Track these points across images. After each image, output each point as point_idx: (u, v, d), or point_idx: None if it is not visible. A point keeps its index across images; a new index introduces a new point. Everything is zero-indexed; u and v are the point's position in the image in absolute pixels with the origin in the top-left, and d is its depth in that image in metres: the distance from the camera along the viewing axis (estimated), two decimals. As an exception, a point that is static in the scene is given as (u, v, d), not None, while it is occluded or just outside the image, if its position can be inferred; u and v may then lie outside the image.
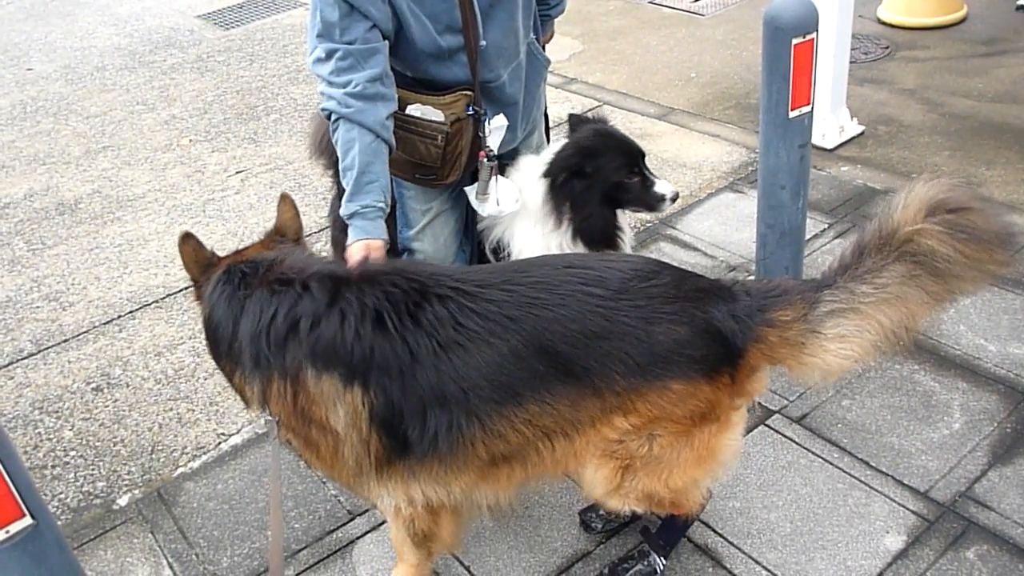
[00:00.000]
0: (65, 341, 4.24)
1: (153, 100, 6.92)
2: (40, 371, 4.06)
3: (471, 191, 3.02)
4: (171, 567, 3.02)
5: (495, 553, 2.93)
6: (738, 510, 2.98)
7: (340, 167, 2.66)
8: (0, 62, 8.06)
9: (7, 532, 2.06)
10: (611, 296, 2.16)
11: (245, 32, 8.18)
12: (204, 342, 2.47)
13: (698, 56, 6.67)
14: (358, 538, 3.04)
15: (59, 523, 3.05)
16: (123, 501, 3.32)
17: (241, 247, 2.53)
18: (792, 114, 3.40)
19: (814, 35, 3.30)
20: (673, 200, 3.08)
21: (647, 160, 3.13)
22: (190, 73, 7.37)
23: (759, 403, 3.37)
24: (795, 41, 3.27)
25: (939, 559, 2.75)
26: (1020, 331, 3.61)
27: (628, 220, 3.23)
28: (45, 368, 4.08)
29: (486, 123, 2.90)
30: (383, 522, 3.04)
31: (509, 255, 3.04)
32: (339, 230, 3.55)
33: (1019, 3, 6.67)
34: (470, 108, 2.86)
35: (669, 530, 2.73)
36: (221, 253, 2.51)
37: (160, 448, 3.54)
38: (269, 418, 2.28)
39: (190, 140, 6.18)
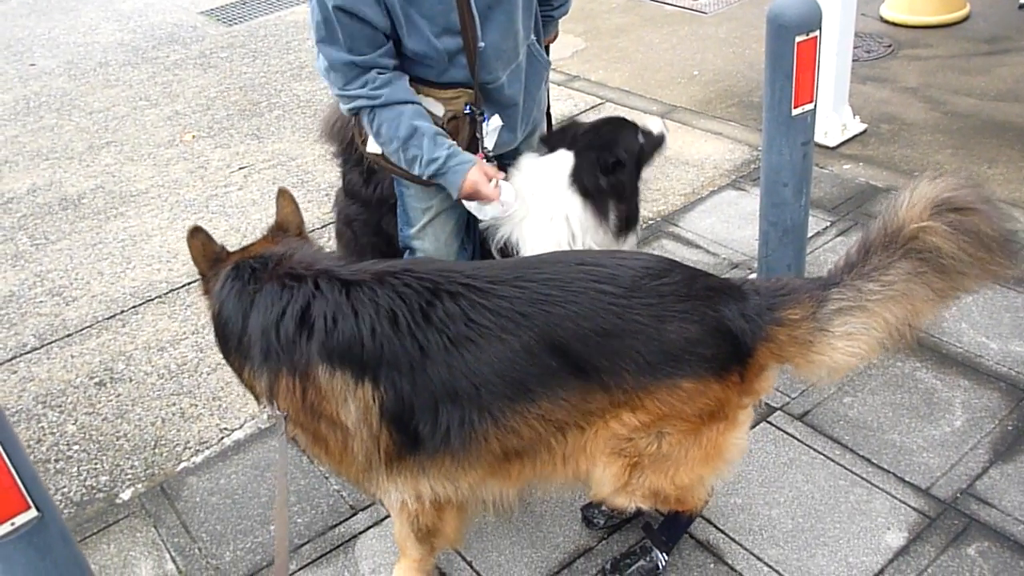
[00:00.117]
0: (68, 336, 4.25)
1: (156, 96, 6.92)
2: (43, 365, 4.07)
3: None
4: (174, 561, 3.03)
5: (497, 548, 2.93)
6: (740, 506, 2.98)
7: (399, 140, 2.72)
8: (3, 57, 8.07)
9: (12, 524, 2.07)
10: (623, 294, 2.16)
11: (248, 28, 8.18)
12: (212, 337, 2.47)
13: (701, 54, 6.67)
14: (360, 533, 3.05)
15: (62, 517, 3.05)
16: (126, 495, 3.33)
17: (247, 243, 2.53)
18: (795, 112, 3.41)
19: (817, 33, 3.30)
20: (666, 130, 3.24)
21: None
22: (193, 69, 7.38)
23: (761, 400, 3.37)
24: (798, 39, 3.27)
25: (940, 556, 2.75)
26: (1022, 329, 3.62)
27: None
28: (48, 362, 4.09)
29: (483, 124, 2.91)
30: (386, 517, 3.05)
31: (518, 255, 3.05)
32: (343, 223, 3.56)
33: (1021, 2, 6.66)
34: (468, 107, 2.86)
35: (671, 526, 2.74)
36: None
37: (163, 443, 3.55)
38: (277, 413, 2.29)
39: (193, 136, 6.19)
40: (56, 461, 3.51)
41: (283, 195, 2.59)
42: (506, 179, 2.95)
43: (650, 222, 4.63)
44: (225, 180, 5.54)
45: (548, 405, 2.18)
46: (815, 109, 3.47)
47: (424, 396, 2.16)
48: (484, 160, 2.90)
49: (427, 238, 3.14)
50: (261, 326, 2.24)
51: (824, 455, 3.15)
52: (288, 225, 2.56)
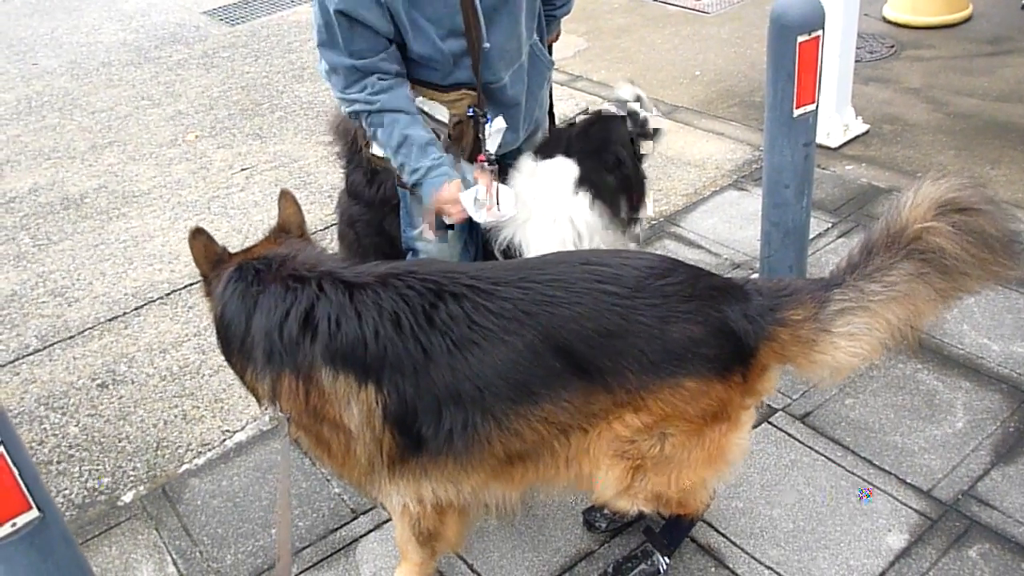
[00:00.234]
0: (70, 337, 4.25)
1: (159, 96, 6.93)
2: (45, 367, 4.07)
3: (468, 196, 3.01)
4: (175, 564, 3.04)
5: (499, 552, 2.93)
6: (741, 509, 2.98)
7: (391, 147, 2.74)
8: (6, 57, 8.07)
9: (14, 525, 2.07)
10: (627, 294, 2.16)
11: (251, 28, 8.18)
12: (214, 339, 2.47)
13: (703, 54, 6.66)
14: (361, 536, 3.05)
15: (64, 518, 3.06)
16: (128, 497, 3.33)
17: (249, 245, 2.53)
18: (797, 112, 3.40)
19: (820, 33, 3.29)
20: (649, 105, 3.20)
21: (652, 155, 3.19)
22: (195, 69, 7.38)
23: (763, 401, 3.37)
24: (800, 39, 3.27)
25: (941, 558, 2.75)
26: (1023, 331, 3.62)
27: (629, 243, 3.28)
28: (50, 364, 4.09)
29: (486, 126, 2.90)
30: (387, 520, 3.05)
31: (521, 257, 3.05)
32: (346, 224, 3.56)
33: (1024, 2, 6.67)
34: (471, 110, 2.86)
35: (673, 530, 2.74)
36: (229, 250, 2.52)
37: (165, 445, 3.55)
38: (280, 415, 2.29)
39: (196, 136, 6.19)
40: (58, 463, 3.52)
41: (285, 196, 2.59)
42: (505, 183, 2.96)
43: (652, 222, 4.63)
44: (227, 181, 5.54)
45: (551, 407, 2.18)
46: (817, 110, 3.47)
47: (427, 398, 2.16)
48: (485, 163, 2.90)
49: (430, 238, 3.13)
50: (264, 328, 2.24)
51: (825, 457, 3.14)
52: (290, 226, 2.56)
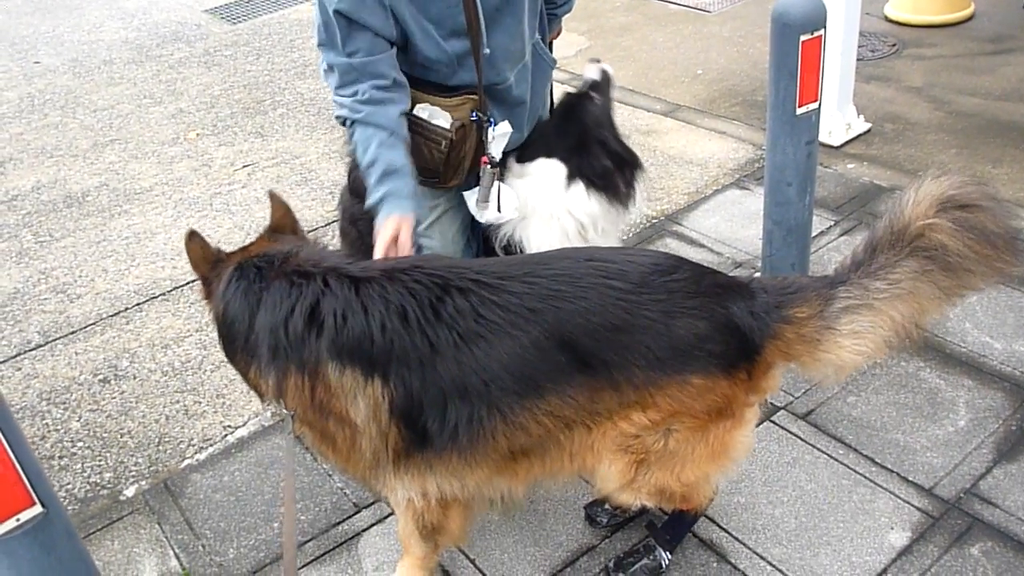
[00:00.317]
0: (72, 333, 4.26)
1: (160, 94, 6.93)
2: (48, 362, 4.08)
3: (470, 197, 3.02)
4: (177, 558, 3.04)
5: (500, 546, 2.94)
6: (743, 505, 2.99)
7: (362, 166, 2.66)
8: (8, 55, 8.08)
9: (17, 520, 2.07)
10: (632, 289, 2.16)
11: (252, 27, 8.19)
12: (216, 338, 2.44)
13: (704, 53, 6.66)
14: (364, 531, 3.05)
15: (67, 513, 3.06)
16: (130, 492, 3.33)
17: (245, 244, 2.52)
18: (799, 111, 3.40)
19: (822, 32, 3.30)
20: (607, 68, 3.20)
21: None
22: (197, 67, 7.39)
23: (766, 399, 3.37)
24: (803, 38, 3.27)
25: (943, 556, 2.75)
26: (1026, 329, 3.62)
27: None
28: (53, 359, 4.09)
29: (490, 130, 2.90)
30: (389, 515, 3.05)
31: (523, 252, 3.05)
32: (348, 222, 3.56)
33: (1026, 1, 6.67)
34: (474, 114, 2.86)
35: (675, 525, 2.75)
36: (226, 249, 2.51)
37: (167, 440, 3.56)
38: (285, 412, 2.28)
39: (197, 134, 6.20)
40: (60, 458, 3.52)
41: (274, 198, 2.57)
42: (504, 181, 2.97)
43: (654, 221, 4.63)
44: (229, 178, 5.55)
45: (557, 401, 2.18)
46: (819, 108, 3.47)
47: (433, 392, 2.16)
48: (487, 166, 2.90)
49: (434, 235, 3.13)
50: (269, 324, 2.23)
51: (828, 454, 3.15)
52: (283, 227, 2.54)
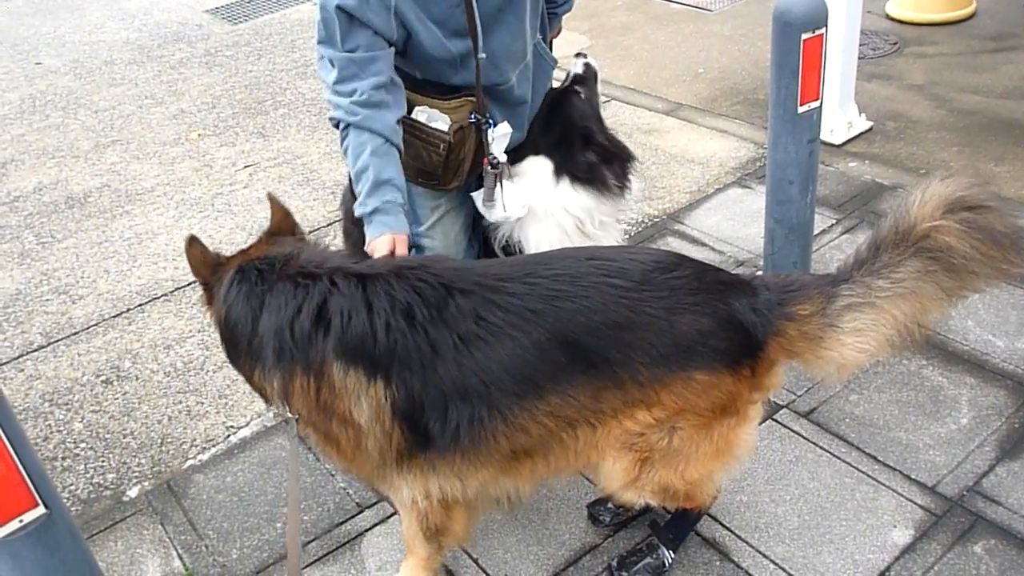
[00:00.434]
0: (75, 334, 4.26)
1: (161, 94, 6.93)
2: (50, 363, 4.08)
3: (478, 197, 3.03)
4: (181, 558, 3.04)
5: (503, 546, 2.94)
6: (746, 504, 2.98)
7: (352, 172, 2.64)
8: (9, 56, 8.08)
9: (21, 521, 2.07)
10: (634, 287, 2.16)
11: (253, 27, 8.19)
12: (218, 339, 2.44)
13: (706, 52, 6.66)
14: (367, 531, 3.05)
15: (70, 514, 3.06)
16: (133, 493, 3.34)
17: (244, 247, 2.51)
18: (801, 109, 3.40)
19: (823, 30, 3.29)
20: (592, 61, 3.22)
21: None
22: (198, 68, 7.39)
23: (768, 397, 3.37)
24: (804, 36, 3.27)
25: (946, 553, 2.75)
26: (1028, 327, 3.62)
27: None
28: (55, 361, 4.10)
29: (489, 131, 2.90)
30: (392, 514, 3.06)
31: (522, 252, 3.05)
32: (351, 222, 3.55)
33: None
34: (473, 116, 2.85)
35: (678, 523, 2.75)
36: (228, 249, 2.50)
37: (169, 440, 3.56)
38: (289, 415, 2.28)
39: (199, 134, 6.20)
40: (63, 459, 3.52)
41: (272, 201, 2.56)
42: (510, 180, 2.97)
43: (656, 220, 4.63)
44: (231, 178, 5.55)
45: (558, 401, 2.17)
46: (821, 107, 3.47)
47: (434, 394, 2.16)
48: (489, 167, 2.90)
49: (437, 236, 3.13)
50: (274, 326, 2.22)
51: (830, 453, 3.14)
52: (282, 230, 2.53)
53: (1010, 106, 5.34)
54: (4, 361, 4.12)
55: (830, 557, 2.78)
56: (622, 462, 2.30)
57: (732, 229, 4.50)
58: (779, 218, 3.68)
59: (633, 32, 7.16)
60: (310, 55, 7.33)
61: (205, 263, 2.43)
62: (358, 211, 2.63)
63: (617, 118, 5.64)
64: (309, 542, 3.03)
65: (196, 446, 3.51)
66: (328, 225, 4.85)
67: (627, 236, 4.48)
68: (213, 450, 3.48)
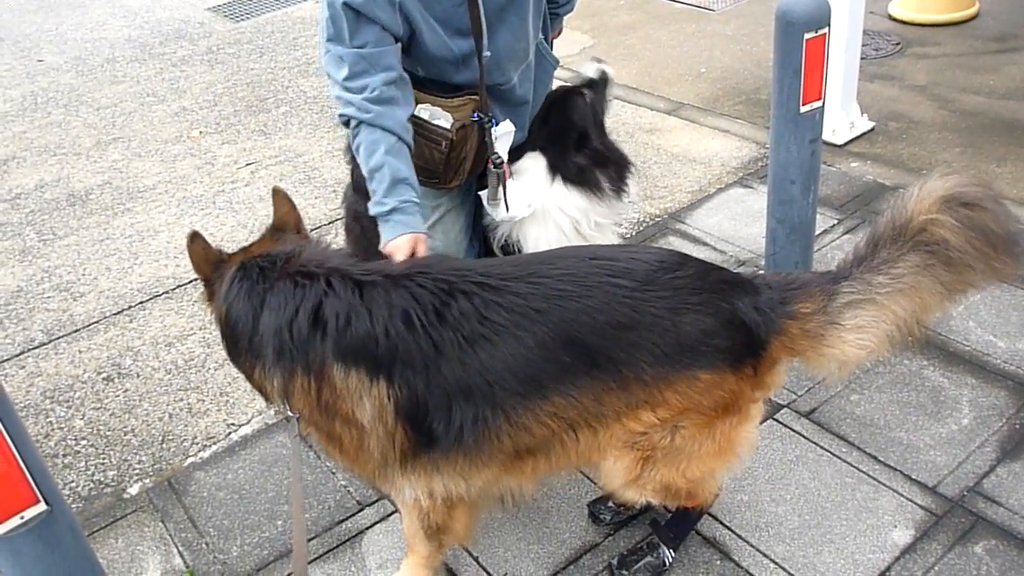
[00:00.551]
0: (76, 331, 4.26)
1: (163, 92, 6.94)
2: (51, 361, 4.08)
3: (485, 197, 3.03)
4: (181, 555, 3.04)
5: (504, 544, 2.94)
6: (746, 503, 2.98)
7: (366, 169, 2.62)
8: (11, 53, 8.09)
9: (22, 518, 2.08)
10: (637, 287, 2.16)
11: (255, 25, 8.19)
12: (220, 339, 2.43)
13: (708, 51, 6.66)
14: (367, 528, 3.05)
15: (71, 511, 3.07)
16: (134, 490, 3.34)
17: (246, 244, 2.50)
18: (803, 109, 3.40)
19: (826, 30, 3.29)
20: (607, 67, 3.21)
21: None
22: (200, 65, 7.39)
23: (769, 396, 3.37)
24: (807, 36, 3.27)
25: (947, 554, 2.75)
26: (1030, 328, 3.62)
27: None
28: (56, 358, 4.10)
29: (492, 130, 2.90)
30: (392, 512, 3.06)
31: (521, 251, 3.05)
32: (352, 218, 3.56)
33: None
34: (475, 114, 2.85)
35: (679, 523, 2.75)
36: (230, 247, 2.50)
37: (170, 438, 3.56)
38: (290, 414, 2.28)
39: (200, 132, 6.20)
40: (64, 456, 3.53)
41: (278, 195, 2.54)
42: (512, 178, 2.97)
43: (657, 219, 4.63)
44: (232, 176, 5.55)
45: (562, 401, 2.17)
46: (823, 106, 3.46)
47: (437, 394, 2.16)
48: (491, 166, 2.89)
49: (438, 235, 3.13)
50: (274, 325, 2.22)
51: (831, 452, 3.14)
52: (286, 225, 2.52)
53: (1012, 107, 5.33)
54: (5, 358, 4.13)
55: (830, 557, 2.78)
56: (624, 460, 2.30)
57: (734, 229, 4.50)
58: (781, 218, 3.68)
59: (635, 31, 7.16)
60: (312, 53, 7.33)
61: (207, 259, 2.42)
62: (374, 210, 2.62)
63: (619, 117, 5.63)
64: (310, 540, 3.03)
65: (197, 444, 3.52)
66: (330, 223, 4.86)
67: (629, 235, 4.48)
68: (214, 448, 3.48)
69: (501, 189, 2.96)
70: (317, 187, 5.30)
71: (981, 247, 2.14)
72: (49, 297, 4.54)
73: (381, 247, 2.62)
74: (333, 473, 3.26)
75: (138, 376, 3.92)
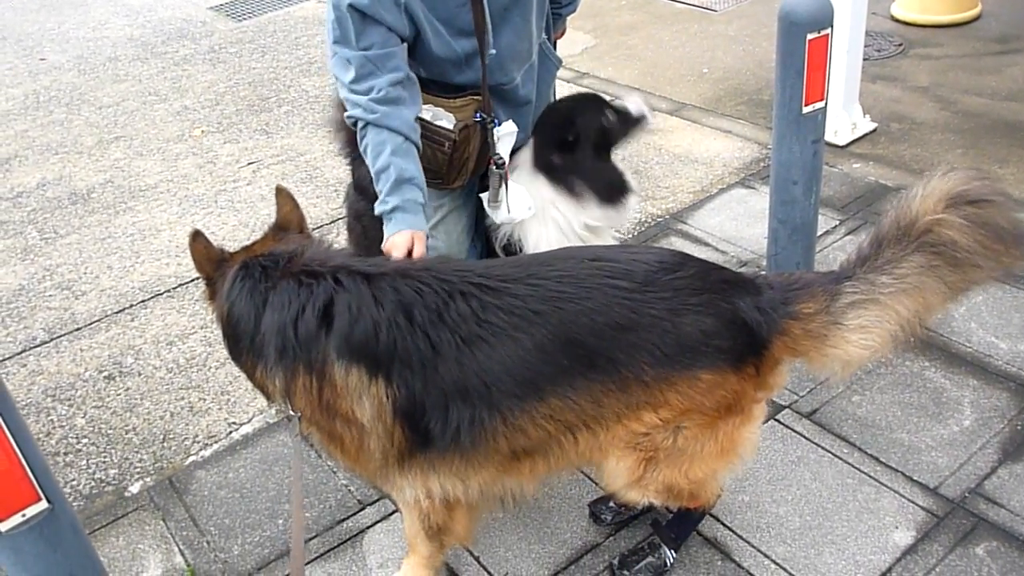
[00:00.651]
0: (77, 329, 4.26)
1: (165, 91, 6.94)
2: (53, 359, 4.08)
3: (486, 198, 3.02)
4: (182, 554, 3.04)
5: (505, 544, 2.94)
6: (747, 504, 2.98)
7: (373, 170, 2.63)
8: (14, 52, 8.09)
9: (23, 516, 2.08)
10: (637, 288, 2.16)
11: (257, 24, 8.19)
12: (222, 338, 2.43)
13: (710, 52, 6.66)
14: (368, 528, 3.05)
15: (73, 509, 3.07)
16: (135, 488, 3.34)
17: (248, 243, 2.50)
18: (805, 110, 3.40)
19: (828, 31, 3.29)
20: (649, 112, 3.12)
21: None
22: (202, 64, 7.39)
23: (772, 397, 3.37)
24: (810, 37, 3.26)
25: (948, 555, 2.75)
26: (1031, 329, 3.61)
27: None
28: (58, 356, 4.10)
29: (494, 130, 2.90)
30: (393, 512, 3.06)
31: (522, 251, 3.05)
32: (353, 218, 3.56)
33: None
34: (478, 115, 2.85)
35: (680, 523, 2.74)
36: (231, 246, 2.50)
37: (172, 436, 3.56)
38: (291, 414, 2.28)
39: (202, 131, 6.20)
40: (65, 454, 3.53)
41: (281, 193, 2.54)
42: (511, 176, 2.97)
43: (659, 219, 4.63)
44: (234, 175, 5.55)
45: (559, 403, 2.17)
46: (825, 107, 3.46)
47: (435, 394, 2.16)
48: (493, 166, 2.89)
49: (440, 235, 3.13)
50: (277, 324, 2.21)
51: (832, 453, 3.14)
52: (289, 224, 2.52)
53: (1015, 108, 5.33)
54: (7, 356, 4.13)
55: (831, 558, 2.78)
56: (626, 461, 2.30)
57: (735, 229, 4.49)
58: (783, 218, 3.68)
59: (637, 32, 7.16)
60: (314, 52, 7.34)
61: (208, 258, 2.42)
62: (378, 209, 2.63)
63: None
64: (311, 539, 3.03)
65: (198, 442, 3.52)
66: (331, 222, 4.86)
67: (630, 236, 4.48)
68: (215, 446, 3.48)
69: (502, 190, 2.95)
70: (319, 186, 5.30)
71: (991, 244, 2.13)
72: (51, 295, 4.54)
73: (383, 244, 2.62)
74: (334, 472, 3.26)
75: (139, 375, 3.92)
